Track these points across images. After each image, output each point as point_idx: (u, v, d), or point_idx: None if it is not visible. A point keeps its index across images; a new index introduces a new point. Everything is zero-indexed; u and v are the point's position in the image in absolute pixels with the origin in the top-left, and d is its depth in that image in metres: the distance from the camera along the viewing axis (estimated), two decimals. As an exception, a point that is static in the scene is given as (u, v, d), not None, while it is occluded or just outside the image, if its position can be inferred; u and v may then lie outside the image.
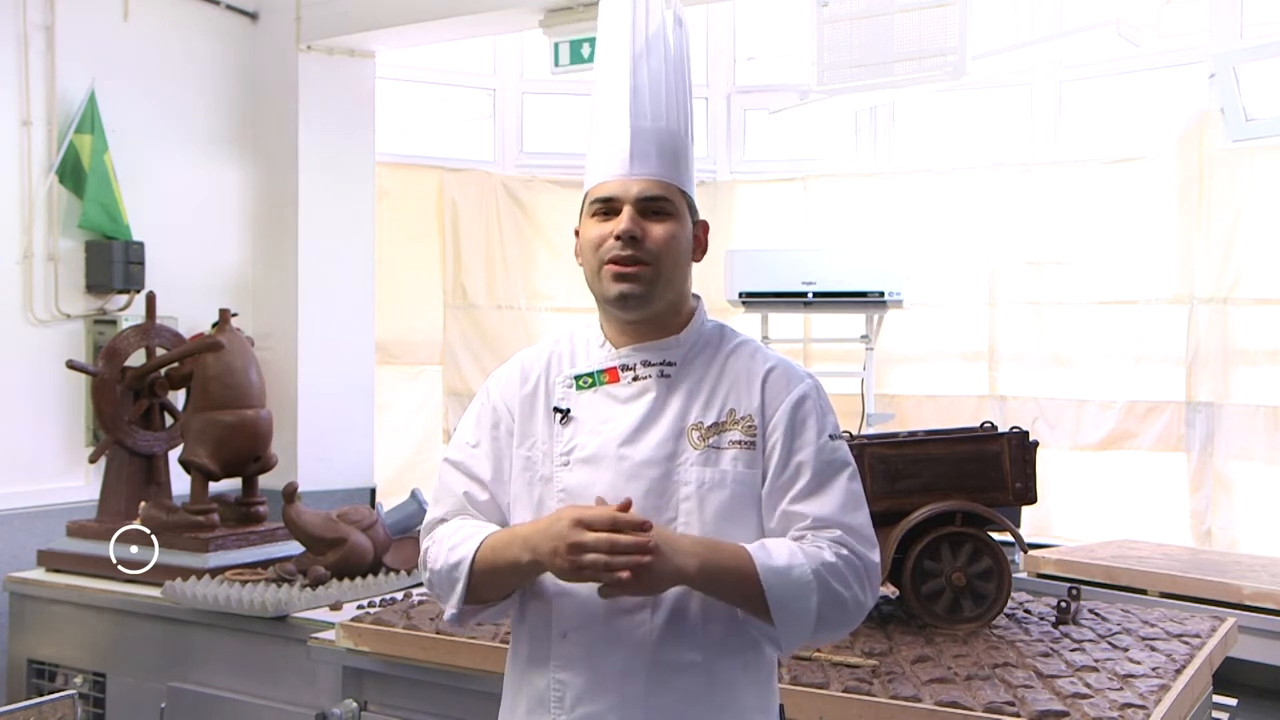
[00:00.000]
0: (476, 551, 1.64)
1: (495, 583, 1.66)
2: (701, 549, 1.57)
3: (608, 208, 1.68)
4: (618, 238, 1.65)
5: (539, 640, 1.68)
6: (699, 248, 1.75)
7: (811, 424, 1.67)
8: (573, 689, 1.64)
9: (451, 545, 1.68)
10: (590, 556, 1.51)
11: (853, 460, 1.71)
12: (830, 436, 1.69)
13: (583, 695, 1.63)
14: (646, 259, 1.65)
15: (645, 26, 1.75)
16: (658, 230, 1.67)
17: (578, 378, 1.73)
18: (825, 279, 5.85)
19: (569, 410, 1.71)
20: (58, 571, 3.68)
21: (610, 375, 1.71)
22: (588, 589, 1.61)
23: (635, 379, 1.70)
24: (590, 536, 1.52)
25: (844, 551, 1.61)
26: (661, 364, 1.70)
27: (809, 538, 1.62)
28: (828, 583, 1.58)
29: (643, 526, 1.53)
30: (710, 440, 1.66)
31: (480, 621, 1.75)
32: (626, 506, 1.56)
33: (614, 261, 1.65)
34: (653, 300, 1.68)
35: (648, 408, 1.68)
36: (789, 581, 1.57)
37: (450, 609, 1.69)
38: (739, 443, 1.65)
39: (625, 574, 1.51)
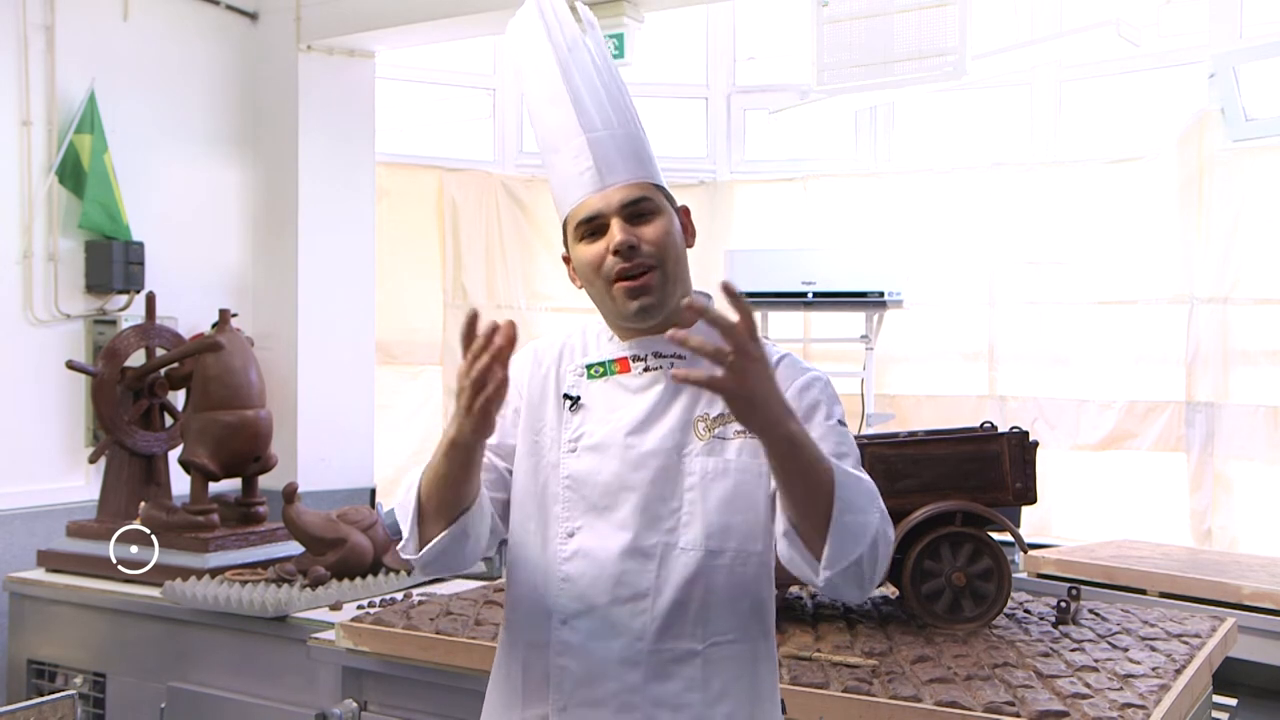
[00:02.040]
0: (422, 473, 1.60)
1: (437, 487, 1.58)
2: (797, 420, 1.49)
3: (594, 226, 1.66)
4: (615, 252, 1.64)
5: (538, 626, 1.68)
6: (688, 232, 1.75)
7: (821, 408, 1.67)
8: (572, 676, 1.64)
9: (409, 484, 1.64)
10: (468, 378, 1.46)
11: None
12: (840, 422, 1.67)
13: (582, 682, 1.63)
14: (650, 262, 1.65)
15: (563, 38, 1.73)
16: (650, 231, 1.66)
17: (589, 366, 1.73)
18: (825, 279, 5.85)
19: (579, 398, 1.71)
20: (58, 571, 3.68)
21: (621, 365, 1.72)
22: (590, 575, 1.62)
23: (646, 369, 1.71)
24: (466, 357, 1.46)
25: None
26: (673, 356, 1.70)
27: None
28: (884, 512, 1.53)
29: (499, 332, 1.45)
30: (716, 431, 1.66)
31: (440, 568, 1.66)
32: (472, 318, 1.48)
33: (622, 278, 1.64)
34: (668, 302, 1.67)
35: (657, 398, 1.68)
36: (858, 488, 1.50)
37: (405, 541, 1.63)
38: (744, 432, 1.65)
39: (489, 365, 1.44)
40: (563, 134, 1.70)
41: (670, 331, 1.39)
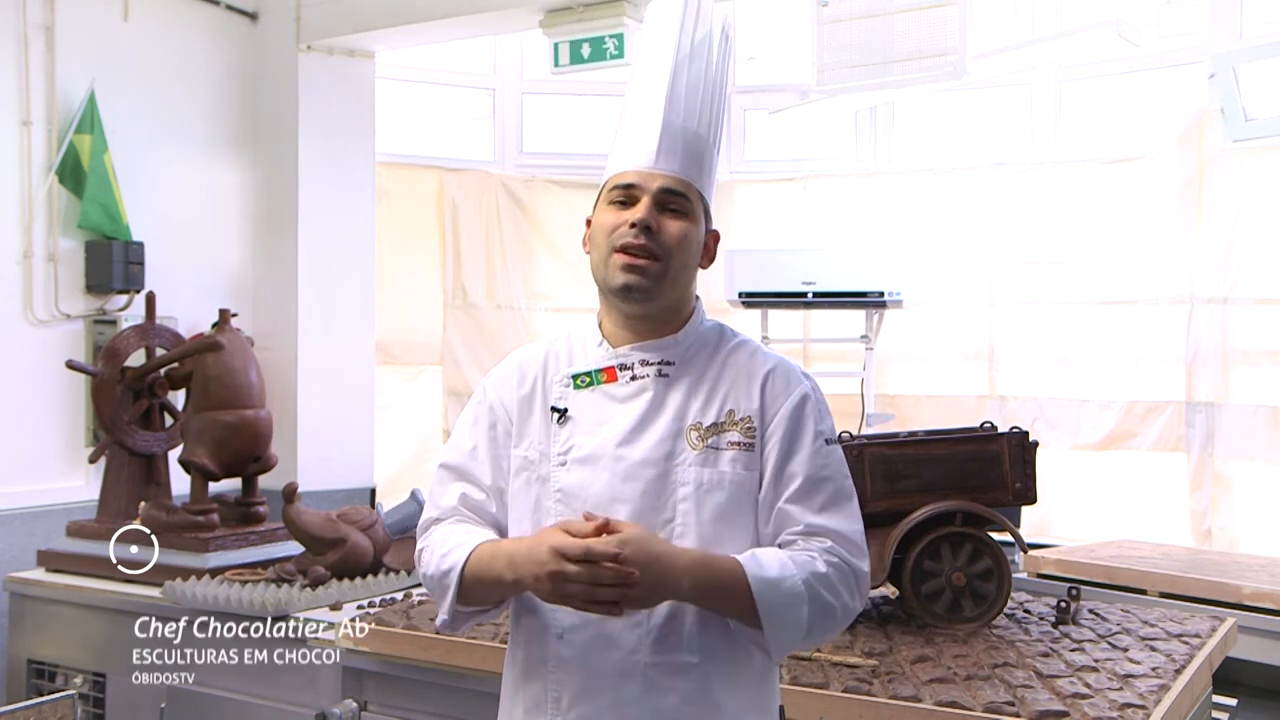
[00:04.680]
0: (465, 562, 1.65)
1: (483, 593, 1.66)
2: (695, 566, 1.57)
3: (627, 195, 1.68)
4: (633, 225, 1.65)
5: (536, 641, 1.68)
6: (707, 255, 1.75)
7: (809, 427, 1.67)
8: (569, 690, 1.64)
9: (444, 552, 1.69)
10: (574, 587, 1.52)
11: (846, 466, 1.71)
12: (826, 441, 1.68)
13: (579, 696, 1.63)
14: (658, 252, 1.65)
15: (693, 32, 1.75)
16: (673, 227, 1.67)
17: (575, 377, 1.72)
18: (825, 279, 5.85)
19: (566, 410, 1.71)
20: (58, 571, 3.68)
21: (608, 374, 1.71)
22: None
23: (633, 378, 1.70)
24: (571, 569, 1.52)
25: (834, 560, 1.61)
26: (660, 363, 1.70)
27: (799, 544, 1.62)
28: (818, 593, 1.59)
29: (615, 559, 1.51)
30: (709, 441, 1.65)
31: (477, 624, 1.75)
32: (602, 528, 1.55)
33: (625, 250, 1.65)
34: (655, 297, 1.67)
35: (645, 407, 1.68)
36: (780, 593, 1.57)
37: (442, 614, 1.70)
38: (738, 444, 1.65)
39: (612, 605, 1.53)
40: (646, 107, 1.72)
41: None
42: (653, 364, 1.70)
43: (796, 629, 1.59)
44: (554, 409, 1.71)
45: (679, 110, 1.71)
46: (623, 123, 1.75)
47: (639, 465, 1.64)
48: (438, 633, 2.68)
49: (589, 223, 1.74)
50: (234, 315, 3.85)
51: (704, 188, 1.72)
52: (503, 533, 1.74)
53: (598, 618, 1.61)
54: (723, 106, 1.77)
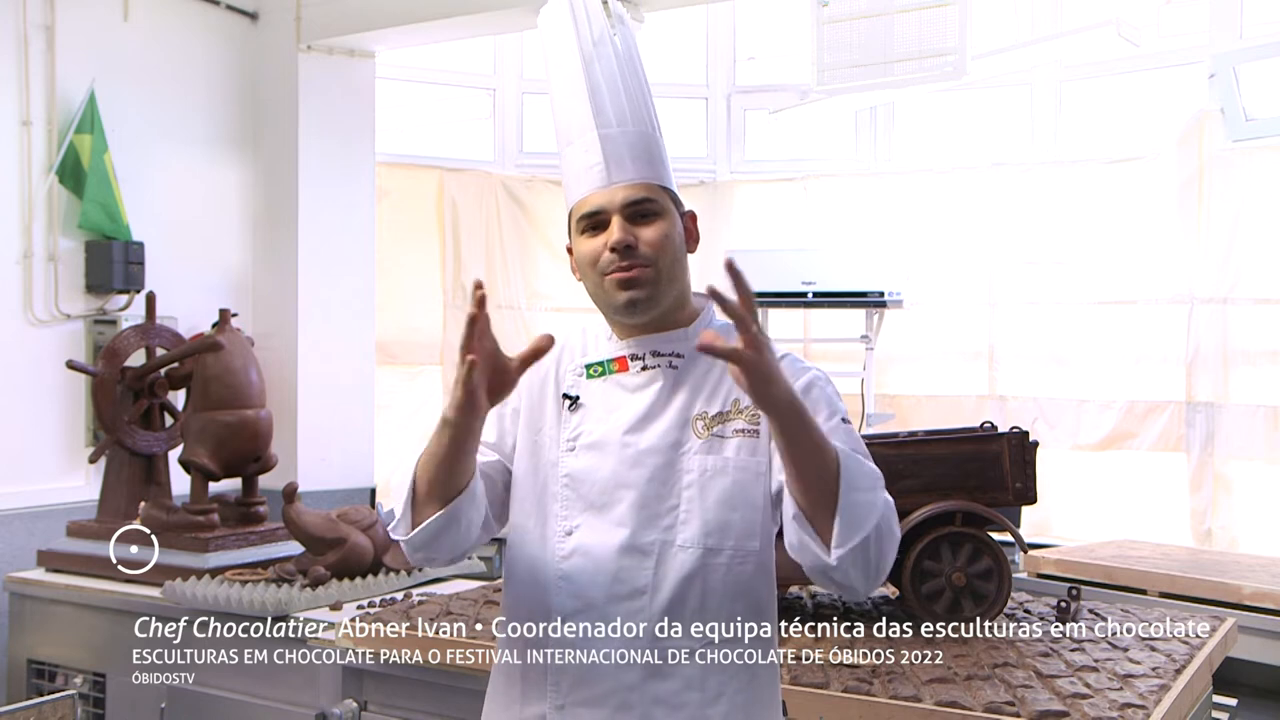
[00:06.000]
0: (417, 461, 1.62)
1: (430, 466, 1.60)
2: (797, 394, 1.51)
3: (595, 221, 1.68)
4: (613, 249, 1.65)
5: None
6: (691, 238, 1.75)
7: (823, 407, 1.66)
8: (570, 674, 1.65)
9: (407, 469, 1.66)
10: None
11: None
12: (843, 420, 1.66)
13: (580, 680, 1.64)
14: (644, 262, 1.66)
15: (590, 31, 1.73)
16: (649, 233, 1.67)
17: (588, 366, 1.74)
18: (825, 279, 5.85)
19: (578, 397, 1.73)
20: (58, 571, 3.68)
21: (620, 364, 1.73)
22: (588, 573, 1.63)
23: (644, 368, 1.72)
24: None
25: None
26: (670, 355, 1.71)
27: None
28: (889, 501, 1.53)
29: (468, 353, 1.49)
30: (714, 429, 1.67)
31: (431, 551, 1.65)
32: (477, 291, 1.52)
33: (615, 272, 1.66)
34: (659, 300, 1.68)
35: (654, 397, 1.69)
36: (862, 468, 1.51)
37: (396, 522, 1.64)
38: (743, 431, 1.66)
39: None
40: (578, 127, 1.71)
41: (699, 343, 1.41)
42: (664, 355, 1.71)
43: (868, 513, 1.48)
44: (566, 396, 1.73)
45: (609, 118, 1.70)
46: (563, 147, 1.74)
47: (645, 453, 1.66)
48: (438, 633, 2.68)
49: (570, 251, 1.74)
50: (234, 315, 3.85)
51: (664, 180, 1.71)
52: (486, 479, 1.71)
53: (601, 601, 1.62)
54: (647, 90, 1.75)
